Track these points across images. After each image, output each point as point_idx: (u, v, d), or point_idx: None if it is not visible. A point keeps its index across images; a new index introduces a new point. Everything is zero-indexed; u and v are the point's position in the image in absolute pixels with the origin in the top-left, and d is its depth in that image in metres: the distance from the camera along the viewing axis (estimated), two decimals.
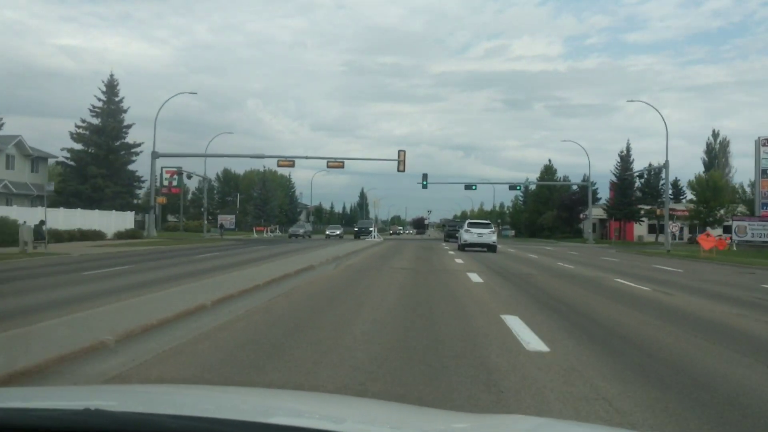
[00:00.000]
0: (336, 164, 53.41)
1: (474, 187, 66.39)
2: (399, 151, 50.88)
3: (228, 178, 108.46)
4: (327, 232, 66.43)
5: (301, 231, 61.45)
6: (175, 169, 65.11)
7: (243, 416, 1.61)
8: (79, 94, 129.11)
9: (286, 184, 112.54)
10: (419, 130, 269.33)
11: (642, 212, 67.88)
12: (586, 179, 68.44)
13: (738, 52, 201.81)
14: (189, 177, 66.24)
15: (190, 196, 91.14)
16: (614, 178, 71.61)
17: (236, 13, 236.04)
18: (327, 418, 1.70)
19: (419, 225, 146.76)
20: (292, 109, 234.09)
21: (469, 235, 33.15)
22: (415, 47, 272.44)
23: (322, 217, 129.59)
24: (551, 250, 40.44)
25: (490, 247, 32.31)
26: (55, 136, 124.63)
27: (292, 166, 55.51)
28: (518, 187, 79.66)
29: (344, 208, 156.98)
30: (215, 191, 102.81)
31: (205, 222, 63.32)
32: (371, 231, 59.47)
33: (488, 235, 32.83)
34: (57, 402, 1.78)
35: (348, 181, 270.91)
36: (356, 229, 64.00)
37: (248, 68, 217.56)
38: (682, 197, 74.46)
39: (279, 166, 55.38)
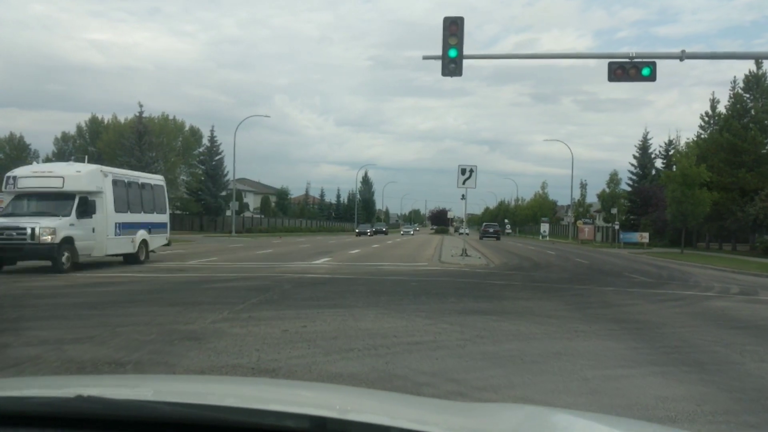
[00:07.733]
0: None
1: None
2: None
3: (95, 133, 64.62)
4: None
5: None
6: None
7: (238, 403, 1.62)
8: (108, 90, 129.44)
9: (197, 145, 64.81)
10: (444, 125, 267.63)
11: None
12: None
13: None
14: None
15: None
16: None
17: (262, 7, 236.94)
18: (320, 406, 1.69)
19: (440, 220, 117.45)
20: (318, 104, 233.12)
21: None
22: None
23: (287, 208, 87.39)
24: None
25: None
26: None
27: None
28: None
29: (339, 197, 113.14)
30: (70, 150, 63.71)
31: None
32: None
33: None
34: (52, 390, 1.83)
35: (351, 175, 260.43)
36: None
37: (275, 63, 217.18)
38: None
39: None
